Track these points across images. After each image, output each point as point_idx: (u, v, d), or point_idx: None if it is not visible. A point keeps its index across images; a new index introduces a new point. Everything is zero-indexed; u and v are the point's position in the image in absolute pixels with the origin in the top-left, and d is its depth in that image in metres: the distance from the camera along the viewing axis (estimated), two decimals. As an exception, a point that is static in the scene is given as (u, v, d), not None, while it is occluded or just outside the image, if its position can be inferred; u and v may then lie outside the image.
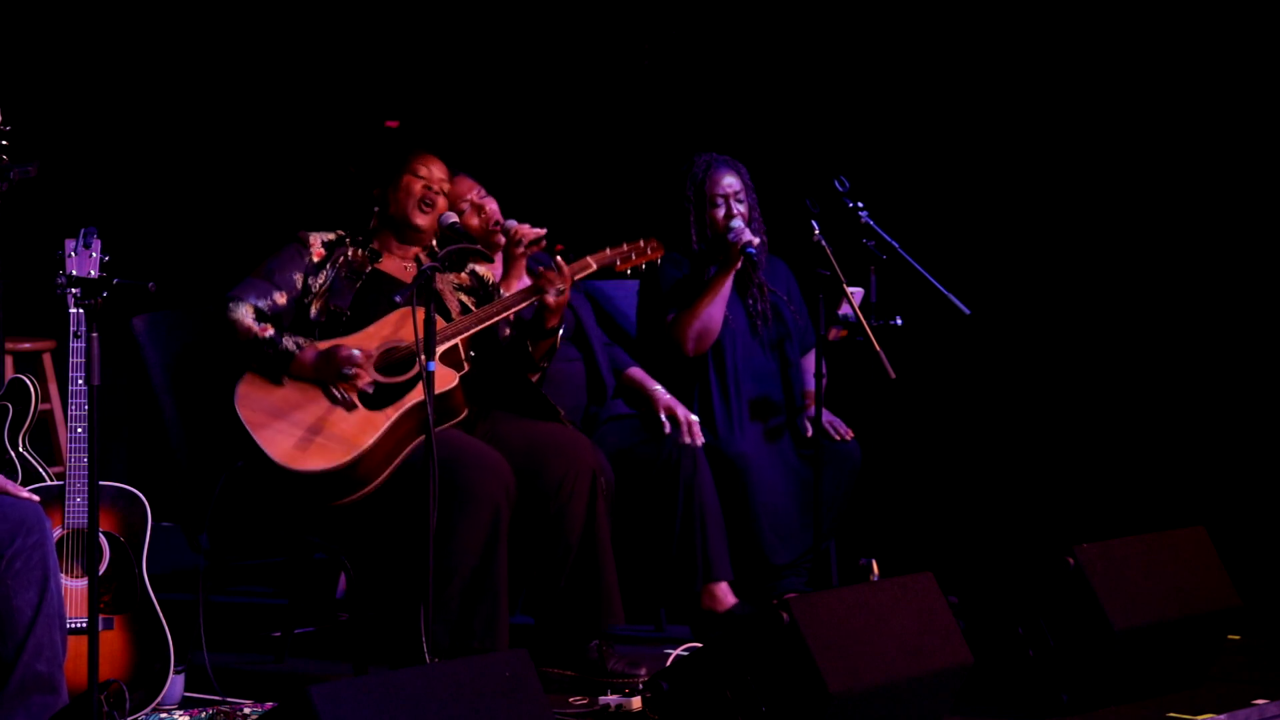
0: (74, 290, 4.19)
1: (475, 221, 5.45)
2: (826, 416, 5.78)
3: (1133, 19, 6.46)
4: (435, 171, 5.10)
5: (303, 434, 4.76)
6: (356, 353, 4.83)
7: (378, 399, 4.83)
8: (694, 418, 5.56)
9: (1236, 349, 6.36)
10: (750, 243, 5.64)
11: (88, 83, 7.15)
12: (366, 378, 4.83)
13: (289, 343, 4.85)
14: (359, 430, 4.78)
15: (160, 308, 5.12)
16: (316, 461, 4.74)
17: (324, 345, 4.88)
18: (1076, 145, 6.58)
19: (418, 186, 5.07)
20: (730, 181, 5.77)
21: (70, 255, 4.18)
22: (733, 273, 5.69)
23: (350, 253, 5.03)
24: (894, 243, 5.60)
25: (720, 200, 5.76)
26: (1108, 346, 6.55)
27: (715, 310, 5.69)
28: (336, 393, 4.83)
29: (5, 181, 4.80)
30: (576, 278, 5.08)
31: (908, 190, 6.65)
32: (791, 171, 6.21)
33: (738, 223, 5.70)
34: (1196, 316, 6.42)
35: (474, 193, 5.48)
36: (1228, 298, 6.38)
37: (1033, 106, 6.62)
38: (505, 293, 5.23)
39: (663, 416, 5.53)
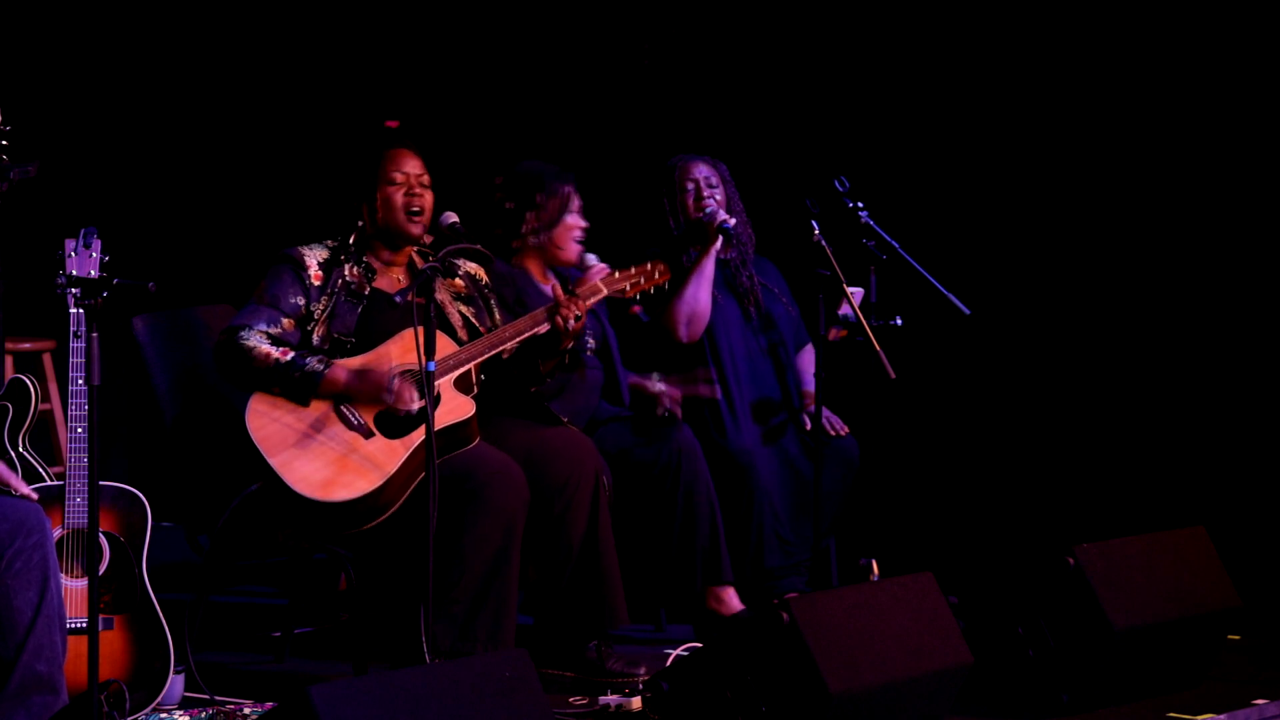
0: (74, 290, 4.19)
1: (578, 231, 5.42)
2: (824, 414, 5.78)
3: (1133, 19, 6.46)
4: (412, 168, 4.94)
5: (323, 463, 4.68)
6: (396, 376, 4.72)
7: (394, 425, 4.75)
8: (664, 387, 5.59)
9: (1236, 349, 6.36)
10: (725, 220, 5.66)
11: (88, 83, 7.15)
12: (413, 404, 4.72)
13: (314, 363, 4.74)
14: (381, 459, 4.70)
15: (160, 308, 5.11)
16: (338, 492, 4.65)
17: (353, 363, 4.79)
18: (1076, 145, 6.58)
19: (399, 196, 4.92)
20: (703, 170, 5.81)
21: (70, 255, 4.18)
22: (712, 253, 5.71)
23: (348, 271, 4.92)
24: (894, 243, 5.60)
25: (690, 185, 5.78)
26: (1107, 346, 6.55)
27: (701, 292, 5.70)
28: (353, 418, 4.75)
29: (5, 181, 4.79)
30: (588, 303, 5.03)
31: (908, 190, 6.65)
32: (791, 171, 6.22)
33: (711, 204, 5.73)
34: (1196, 317, 6.42)
35: (577, 213, 5.45)
36: (1227, 298, 6.38)
37: (1033, 106, 6.62)
38: (579, 292, 5.13)
39: (661, 389, 5.55)
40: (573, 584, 4.98)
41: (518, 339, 4.93)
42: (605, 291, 5.11)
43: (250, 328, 4.77)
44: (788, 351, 5.90)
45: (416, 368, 4.73)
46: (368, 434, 4.74)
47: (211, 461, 5.00)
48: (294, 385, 4.73)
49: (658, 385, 5.62)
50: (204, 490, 5.00)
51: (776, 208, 5.97)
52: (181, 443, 5.04)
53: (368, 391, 4.74)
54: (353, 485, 4.66)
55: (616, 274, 5.15)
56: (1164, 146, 6.44)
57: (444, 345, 4.83)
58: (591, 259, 5.38)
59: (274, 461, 4.67)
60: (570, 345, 5.01)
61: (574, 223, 5.43)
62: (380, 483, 4.66)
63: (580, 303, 4.96)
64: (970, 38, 6.71)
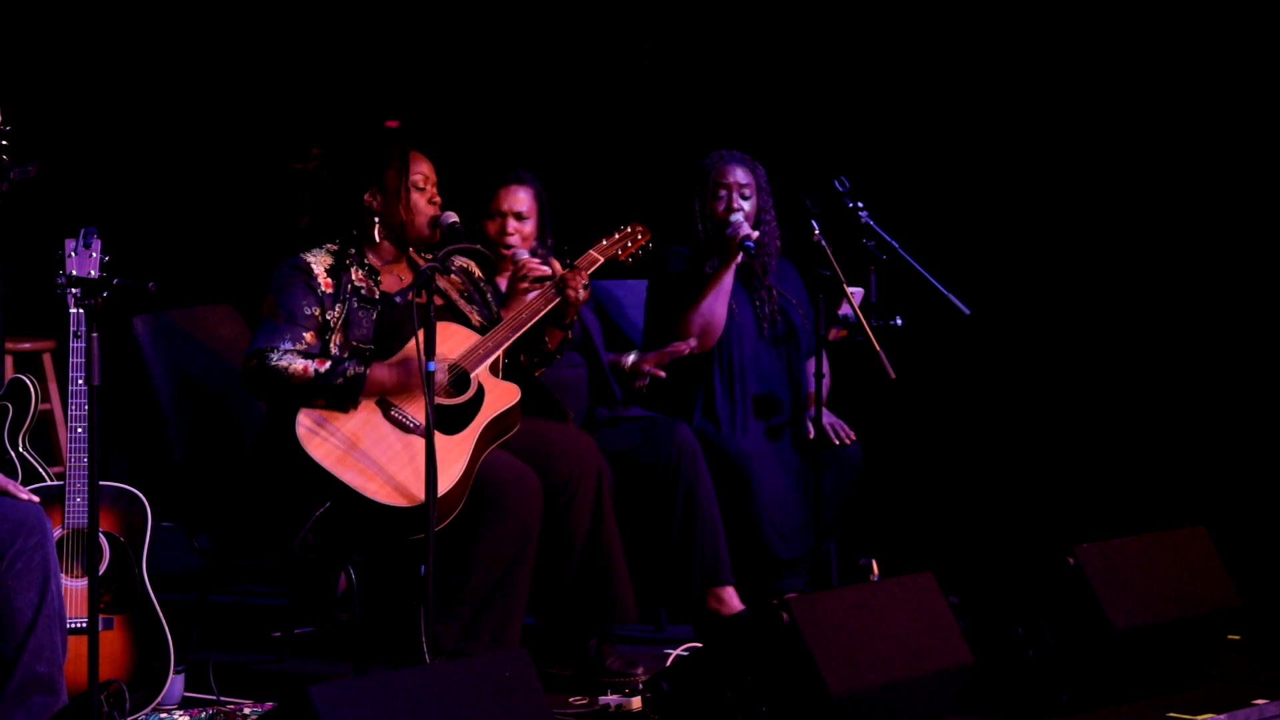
0: (74, 290, 4.19)
1: (493, 229, 5.46)
2: (829, 418, 5.78)
3: (1133, 19, 6.46)
4: (429, 173, 4.96)
5: (394, 469, 4.65)
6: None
7: (446, 423, 4.71)
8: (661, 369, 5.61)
9: (1236, 349, 6.37)
10: (748, 236, 5.63)
11: (88, 83, 7.15)
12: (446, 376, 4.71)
13: (353, 366, 4.71)
14: (449, 454, 4.65)
15: (160, 308, 5.11)
16: (411, 495, 4.61)
17: (389, 361, 4.76)
18: (1076, 145, 6.58)
19: (423, 202, 4.93)
20: (739, 175, 5.75)
21: (70, 255, 4.18)
22: (732, 267, 5.68)
23: (355, 276, 4.89)
24: (894, 243, 5.59)
25: (723, 192, 5.75)
26: (1107, 346, 6.55)
27: (718, 305, 5.69)
28: (406, 420, 4.71)
29: (5, 181, 4.80)
30: (589, 271, 5.08)
31: (908, 190, 6.65)
32: (791, 171, 6.21)
33: (737, 216, 5.69)
34: (1196, 316, 6.42)
35: (523, 206, 5.48)
36: (1227, 298, 6.38)
37: (1033, 106, 6.62)
38: (505, 316, 5.11)
39: (632, 359, 5.57)
40: (576, 581, 4.98)
41: (534, 318, 4.95)
42: (601, 259, 5.16)
43: (277, 348, 4.73)
44: (800, 357, 5.88)
45: (450, 360, 4.78)
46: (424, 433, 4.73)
47: (236, 482, 4.98)
48: (337, 392, 4.69)
49: (629, 358, 5.61)
50: (200, 487, 5.00)
51: (777, 208, 5.96)
52: (179, 441, 5.03)
53: (412, 382, 4.71)
54: (422, 485, 4.63)
55: (604, 241, 5.21)
56: (1164, 146, 6.44)
57: (466, 336, 4.86)
58: (521, 254, 5.37)
59: (348, 479, 4.62)
60: (574, 317, 5.03)
61: (492, 227, 5.46)
62: (459, 477, 4.65)
63: (583, 273, 5.01)
64: (970, 38, 6.71)
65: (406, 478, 4.64)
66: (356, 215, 4.96)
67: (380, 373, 4.72)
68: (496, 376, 4.89)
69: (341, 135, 5.03)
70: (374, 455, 4.67)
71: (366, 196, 4.95)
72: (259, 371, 4.71)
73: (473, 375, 4.79)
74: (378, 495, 4.61)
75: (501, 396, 4.81)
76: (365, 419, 4.72)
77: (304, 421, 4.68)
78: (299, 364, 4.70)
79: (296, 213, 5.04)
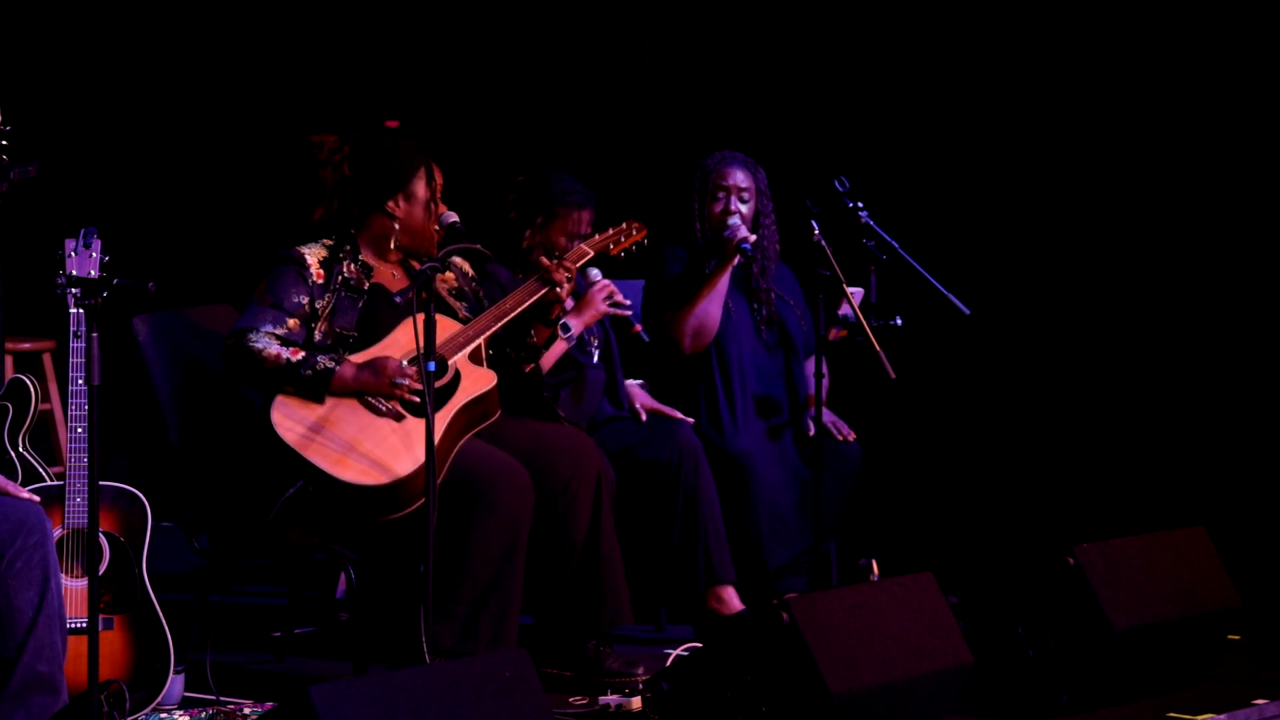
0: (74, 290, 4.19)
1: (562, 241, 5.43)
2: (829, 417, 5.78)
3: (1132, 19, 6.46)
4: (437, 178, 5.00)
5: (363, 451, 4.67)
6: (406, 363, 4.73)
7: (420, 407, 4.70)
8: (671, 410, 5.60)
9: (1236, 349, 6.37)
10: (745, 239, 5.63)
11: (88, 83, 7.15)
12: (417, 386, 4.72)
13: (325, 360, 4.73)
14: (417, 437, 4.66)
15: (160, 308, 5.12)
16: (386, 473, 4.65)
17: (359, 358, 4.79)
18: (1076, 145, 6.58)
19: (434, 208, 4.96)
20: (739, 178, 5.75)
21: (70, 255, 4.18)
22: (728, 269, 5.69)
23: (346, 268, 4.92)
24: (894, 243, 5.60)
25: (722, 194, 5.75)
26: (1107, 346, 6.55)
27: (712, 307, 5.69)
28: (380, 405, 4.74)
29: (5, 181, 4.80)
30: (576, 265, 5.11)
31: (908, 190, 6.65)
32: (791, 171, 6.22)
33: (735, 219, 5.70)
34: (1196, 316, 6.42)
35: (584, 227, 5.48)
36: (1227, 298, 6.38)
37: (1033, 106, 6.62)
38: (573, 324, 5.22)
39: (638, 409, 5.57)
40: (574, 582, 4.99)
41: (519, 309, 4.96)
42: (591, 253, 5.21)
43: (257, 330, 4.76)
44: (797, 359, 5.88)
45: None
46: (399, 417, 4.75)
47: (229, 473, 4.98)
48: (305, 383, 4.73)
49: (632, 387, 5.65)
50: (199, 487, 5.00)
51: (776, 208, 5.96)
52: (179, 441, 5.03)
53: (380, 384, 4.75)
54: (399, 463, 4.66)
55: (596, 235, 5.26)
56: (1164, 146, 6.44)
57: (448, 325, 4.88)
58: (595, 274, 5.40)
59: (315, 459, 4.66)
60: (560, 312, 5.04)
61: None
62: (419, 464, 4.64)
63: (570, 265, 5.03)
64: (970, 38, 6.71)
65: (375, 459, 4.66)
66: (374, 219, 4.97)
67: (349, 372, 4.75)
68: (479, 363, 4.91)
69: (369, 139, 5.01)
70: (344, 438, 4.70)
71: (390, 204, 4.96)
72: (235, 350, 4.76)
73: (450, 361, 4.81)
74: (345, 475, 4.64)
75: (477, 381, 4.84)
76: (339, 401, 4.75)
77: (278, 404, 4.73)
78: (273, 349, 4.74)
79: (310, 203, 5.05)
